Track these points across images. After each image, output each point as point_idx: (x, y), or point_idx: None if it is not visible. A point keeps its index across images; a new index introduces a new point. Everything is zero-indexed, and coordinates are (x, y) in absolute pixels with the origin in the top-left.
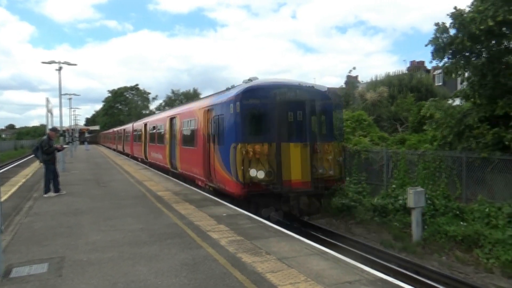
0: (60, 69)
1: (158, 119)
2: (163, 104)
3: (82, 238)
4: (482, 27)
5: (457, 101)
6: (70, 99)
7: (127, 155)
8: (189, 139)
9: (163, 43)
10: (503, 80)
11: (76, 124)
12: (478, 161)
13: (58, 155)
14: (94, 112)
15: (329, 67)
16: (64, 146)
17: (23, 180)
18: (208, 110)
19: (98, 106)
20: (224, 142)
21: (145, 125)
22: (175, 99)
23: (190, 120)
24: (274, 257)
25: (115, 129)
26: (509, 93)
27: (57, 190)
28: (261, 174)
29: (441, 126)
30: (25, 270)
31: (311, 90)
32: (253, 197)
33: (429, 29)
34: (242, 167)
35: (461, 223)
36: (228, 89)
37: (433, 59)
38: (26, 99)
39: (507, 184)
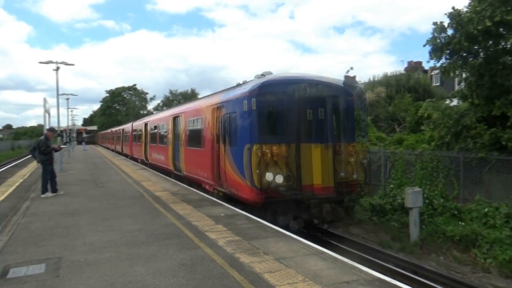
0: (57, 69)
1: (159, 118)
2: (161, 104)
3: (80, 239)
4: (479, 27)
5: (455, 102)
6: (67, 99)
7: (126, 155)
8: (195, 140)
9: (161, 43)
10: (500, 80)
11: (73, 124)
12: (476, 161)
13: (56, 155)
14: (91, 112)
15: (327, 67)
16: (62, 146)
17: (21, 181)
18: (218, 108)
19: (96, 106)
20: (237, 143)
21: (146, 124)
22: (173, 99)
23: (197, 119)
24: (272, 257)
25: (113, 129)
26: (506, 93)
27: (54, 190)
28: (279, 179)
29: (439, 127)
30: (23, 270)
31: (332, 86)
32: (270, 204)
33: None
34: (258, 171)
35: (460, 223)
36: (239, 84)
37: (431, 59)
38: (24, 99)
39: (504, 184)
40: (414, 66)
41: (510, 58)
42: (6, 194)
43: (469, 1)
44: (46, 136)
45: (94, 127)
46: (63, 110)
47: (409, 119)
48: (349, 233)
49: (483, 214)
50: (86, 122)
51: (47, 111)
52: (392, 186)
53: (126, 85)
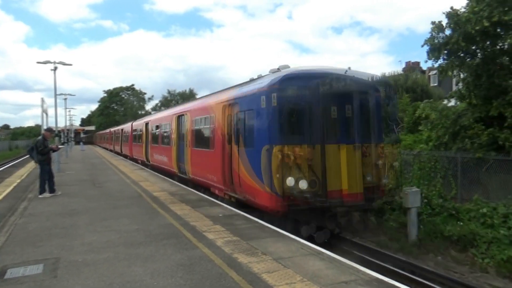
0: (55, 69)
1: (162, 117)
2: (159, 104)
3: (78, 239)
4: (477, 28)
5: (452, 102)
6: (65, 99)
7: (126, 156)
8: (203, 140)
9: (159, 43)
10: (497, 81)
11: (71, 124)
12: (473, 161)
13: (53, 155)
14: (89, 113)
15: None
16: (60, 146)
17: (18, 181)
18: (229, 105)
19: (94, 107)
20: (254, 144)
21: (147, 124)
22: (171, 99)
23: (205, 118)
24: (270, 257)
25: (112, 129)
26: (503, 93)
27: (52, 190)
28: (303, 184)
29: (436, 127)
30: (20, 271)
31: (361, 81)
32: (292, 213)
33: (425, 30)
34: (278, 175)
35: (458, 223)
36: (253, 80)
37: (429, 59)
38: (21, 99)
39: (502, 184)
40: (412, 67)
41: (507, 58)
42: (4, 194)
43: (467, 1)
44: (44, 136)
45: (92, 127)
46: (61, 110)
47: (407, 119)
48: (347, 233)
49: (481, 214)
50: (84, 122)
51: (44, 111)
52: (390, 186)
53: (124, 85)
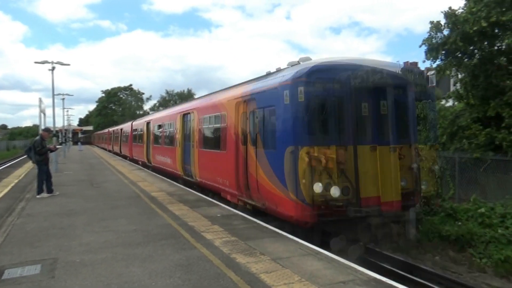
0: (53, 69)
1: (165, 116)
2: (157, 104)
3: (75, 239)
4: (475, 28)
5: (450, 102)
6: (63, 99)
7: (125, 157)
8: (213, 140)
9: (157, 43)
10: (494, 81)
11: (69, 125)
12: (471, 162)
13: (51, 155)
14: (87, 113)
15: None
16: (57, 146)
17: (16, 181)
18: (244, 102)
19: (92, 107)
20: (276, 145)
21: (148, 123)
22: (169, 100)
23: (215, 116)
24: (269, 257)
25: (111, 129)
26: (501, 94)
27: (50, 191)
28: (335, 191)
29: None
30: (18, 271)
31: (396, 74)
32: (323, 224)
33: (423, 30)
34: (305, 181)
35: (456, 222)
36: (269, 74)
37: (427, 59)
38: (19, 99)
39: (499, 184)
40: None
41: (505, 59)
42: (1, 194)
43: (465, 1)
44: (41, 137)
45: (90, 127)
46: (58, 110)
47: None
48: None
49: (479, 214)
50: (82, 122)
51: (42, 111)
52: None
53: (122, 85)
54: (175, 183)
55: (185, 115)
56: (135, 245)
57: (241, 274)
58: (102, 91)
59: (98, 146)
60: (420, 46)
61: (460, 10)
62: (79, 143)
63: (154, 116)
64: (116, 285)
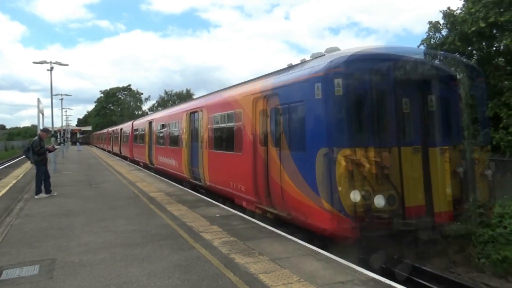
0: (51, 69)
1: (169, 115)
2: (156, 104)
3: (74, 240)
4: (473, 28)
5: None
6: (61, 99)
7: (125, 158)
8: (226, 141)
9: (156, 43)
10: (493, 81)
11: (67, 125)
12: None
13: (50, 156)
14: (86, 113)
15: None
16: (56, 147)
17: (14, 181)
18: (264, 98)
19: (90, 107)
20: (305, 147)
21: (150, 123)
22: (168, 100)
23: (227, 114)
24: (267, 257)
25: (110, 129)
26: (499, 94)
27: (48, 191)
28: (379, 201)
29: None
30: (16, 272)
31: (441, 67)
32: (365, 240)
33: (421, 31)
34: (345, 188)
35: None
36: (291, 66)
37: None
38: (17, 99)
39: (497, 184)
40: None
41: (503, 59)
42: (0, 195)
43: (463, 2)
44: (40, 137)
45: (89, 128)
46: (57, 111)
47: None
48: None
49: (478, 214)
50: (81, 122)
51: (41, 111)
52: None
53: (120, 85)
54: (174, 183)
55: (192, 114)
56: (133, 245)
57: (240, 275)
58: (100, 91)
59: (96, 147)
60: (418, 46)
61: (458, 11)
62: (77, 144)
63: (157, 115)
64: (114, 285)
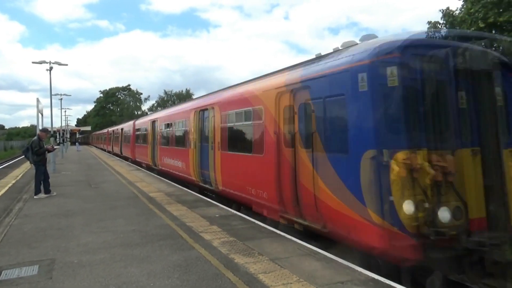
0: (50, 69)
1: (175, 114)
2: (155, 104)
3: (73, 240)
4: (472, 29)
5: None
6: (61, 99)
7: (126, 159)
8: (242, 141)
9: (156, 43)
10: None
11: (67, 125)
12: None
13: (49, 156)
14: (85, 113)
15: None
16: (55, 147)
17: (13, 182)
18: (291, 92)
19: (90, 107)
20: (348, 148)
21: (153, 122)
22: (167, 100)
23: (244, 111)
24: (267, 258)
25: (110, 129)
26: None
27: (47, 191)
28: (444, 214)
29: None
30: (15, 272)
31: (499, 55)
32: (428, 261)
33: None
34: (400, 199)
35: None
36: (321, 56)
37: None
38: (16, 99)
39: None
40: None
41: None
42: None
43: (462, 2)
44: (39, 137)
45: (88, 128)
46: (56, 111)
47: None
48: None
49: None
50: (80, 122)
51: (40, 111)
52: None
53: (120, 85)
54: (173, 183)
55: (201, 112)
56: (133, 245)
57: (239, 275)
58: (100, 91)
59: (96, 147)
60: None
61: (458, 11)
62: (77, 144)
63: (161, 113)
64: (114, 286)
